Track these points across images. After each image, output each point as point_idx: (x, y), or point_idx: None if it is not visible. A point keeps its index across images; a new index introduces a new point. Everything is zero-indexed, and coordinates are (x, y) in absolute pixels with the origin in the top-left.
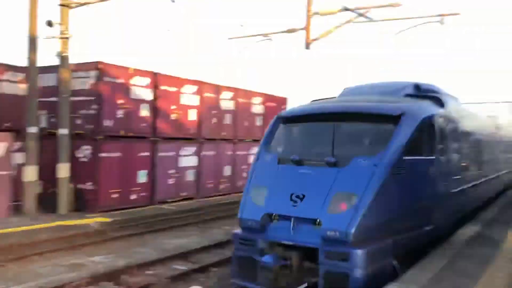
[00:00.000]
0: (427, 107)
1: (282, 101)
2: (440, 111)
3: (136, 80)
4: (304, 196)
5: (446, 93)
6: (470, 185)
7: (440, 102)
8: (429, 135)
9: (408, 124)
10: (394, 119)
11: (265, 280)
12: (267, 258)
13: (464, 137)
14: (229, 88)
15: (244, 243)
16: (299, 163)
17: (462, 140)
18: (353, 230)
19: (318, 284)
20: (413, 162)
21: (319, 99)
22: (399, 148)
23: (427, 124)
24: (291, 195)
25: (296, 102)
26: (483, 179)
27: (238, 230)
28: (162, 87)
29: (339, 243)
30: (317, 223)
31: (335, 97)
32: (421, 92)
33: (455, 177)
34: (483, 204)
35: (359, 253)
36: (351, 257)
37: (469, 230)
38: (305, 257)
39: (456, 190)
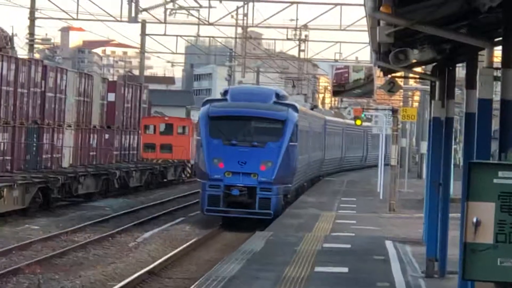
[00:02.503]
0: (293, 114)
1: None
2: (297, 115)
3: None
4: (246, 162)
5: (293, 99)
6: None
7: (296, 109)
8: (295, 130)
9: (289, 125)
10: (282, 122)
11: (226, 204)
12: (235, 191)
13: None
14: None
15: (213, 186)
16: (237, 145)
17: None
18: (273, 177)
19: (255, 205)
20: (292, 145)
21: (213, 99)
22: (288, 138)
23: (295, 125)
24: (238, 161)
25: None
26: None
27: (204, 181)
28: None
29: (266, 184)
30: (253, 175)
31: (226, 99)
32: (279, 98)
33: (302, 156)
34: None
35: (275, 188)
36: (272, 190)
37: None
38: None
39: (302, 164)
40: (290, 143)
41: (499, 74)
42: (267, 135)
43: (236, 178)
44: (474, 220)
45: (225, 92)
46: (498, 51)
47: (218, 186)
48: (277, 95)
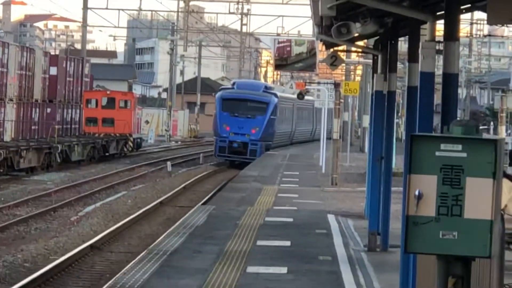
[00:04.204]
0: (274, 98)
1: None
2: (276, 99)
3: None
4: (243, 127)
5: (276, 88)
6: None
7: (276, 96)
8: (275, 109)
9: (271, 105)
10: (266, 103)
11: (229, 152)
12: (235, 145)
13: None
14: None
15: (222, 140)
16: (238, 116)
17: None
18: (259, 136)
19: (247, 153)
20: (272, 118)
21: (226, 87)
22: (270, 113)
23: (275, 105)
24: (238, 126)
25: None
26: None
27: (217, 137)
28: None
29: (255, 141)
30: (247, 135)
31: (234, 88)
32: (267, 89)
33: (281, 125)
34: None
35: (259, 143)
36: (258, 144)
37: None
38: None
39: (281, 130)
40: (271, 117)
41: (441, 48)
42: (256, 111)
43: (236, 136)
44: (416, 193)
45: (233, 84)
46: (440, 25)
47: (225, 141)
48: (265, 87)
